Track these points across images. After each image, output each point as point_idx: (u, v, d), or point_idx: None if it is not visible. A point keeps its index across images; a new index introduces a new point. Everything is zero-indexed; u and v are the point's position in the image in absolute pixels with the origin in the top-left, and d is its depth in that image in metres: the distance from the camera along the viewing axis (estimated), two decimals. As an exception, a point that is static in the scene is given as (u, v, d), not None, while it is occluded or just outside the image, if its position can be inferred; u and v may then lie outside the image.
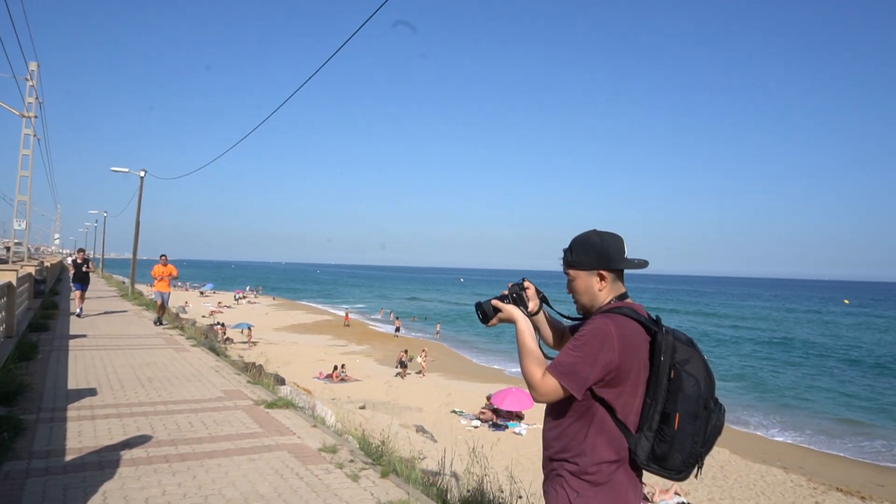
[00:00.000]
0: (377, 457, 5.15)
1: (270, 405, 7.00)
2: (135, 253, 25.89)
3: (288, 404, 7.08)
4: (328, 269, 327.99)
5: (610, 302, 2.06)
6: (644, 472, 2.06)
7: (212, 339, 13.24)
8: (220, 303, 54.68)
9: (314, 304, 67.11)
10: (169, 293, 15.66)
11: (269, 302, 65.91)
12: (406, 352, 26.84)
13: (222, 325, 33.08)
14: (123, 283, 38.16)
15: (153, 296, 16.54)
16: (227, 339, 28.62)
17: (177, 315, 23.86)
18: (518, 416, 18.74)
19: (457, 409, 19.75)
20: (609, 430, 1.95)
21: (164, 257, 15.54)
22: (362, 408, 18.07)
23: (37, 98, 19.92)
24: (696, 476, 2.02)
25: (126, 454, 5.08)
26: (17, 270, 10.66)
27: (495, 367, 29.43)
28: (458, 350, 35.33)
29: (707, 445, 1.95)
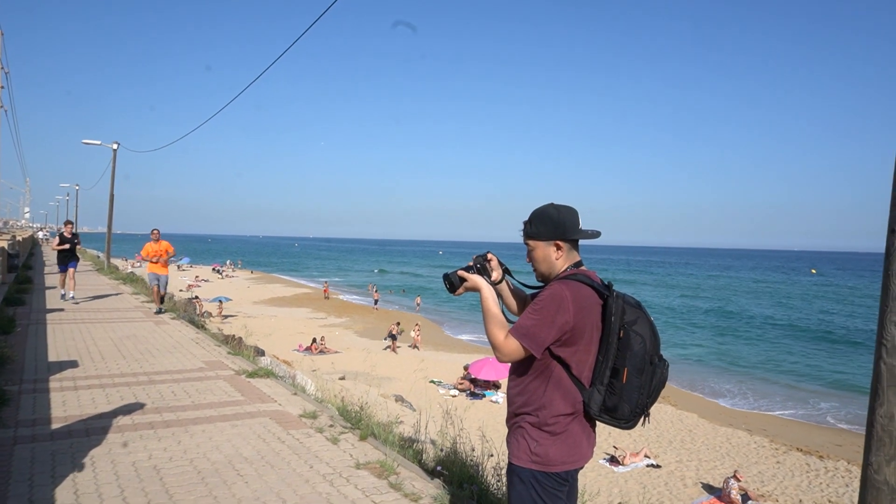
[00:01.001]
0: (356, 421, 5.37)
1: (251, 374, 7.17)
2: (109, 227, 25.59)
3: (268, 374, 7.27)
4: (306, 242, 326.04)
5: (566, 270, 2.25)
6: (598, 423, 2.28)
7: (191, 313, 13.28)
8: (197, 276, 54.30)
9: (292, 278, 66.94)
10: (167, 276, 12.71)
11: (248, 276, 65.59)
12: (398, 324, 26.92)
13: (198, 298, 32.97)
14: (98, 257, 37.68)
15: (148, 280, 13.39)
16: (206, 312, 28.58)
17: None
18: (495, 385, 19.17)
19: (435, 380, 20.13)
20: (565, 385, 2.16)
21: (156, 232, 12.67)
22: (342, 378, 18.35)
23: (2, 68, 19.41)
24: (642, 424, 2.24)
25: (111, 422, 5.24)
26: (-10, 245, 10.58)
27: (473, 338, 29.89)
28: (437, 322, 35.72)
29: (652, 397, 2.17)
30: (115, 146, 23.63)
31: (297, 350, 23.63)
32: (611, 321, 2.14)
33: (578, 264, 2.28)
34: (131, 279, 21.25)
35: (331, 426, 5.28)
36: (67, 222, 15.01)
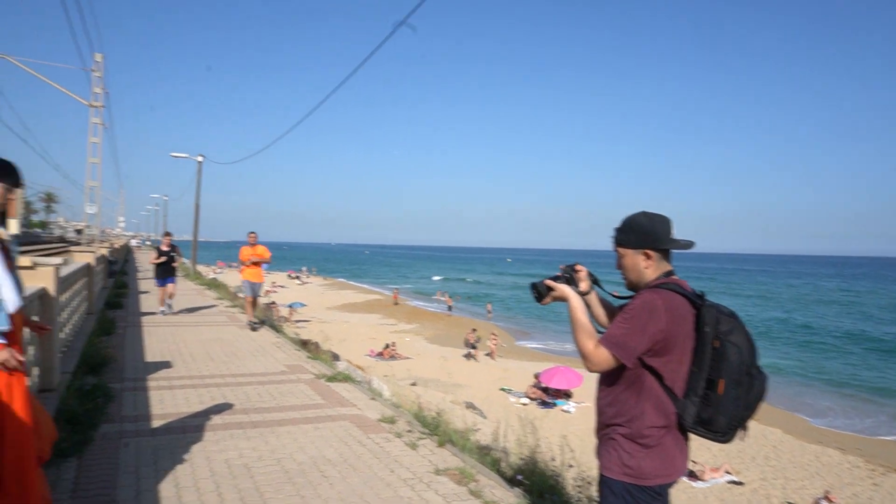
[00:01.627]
0: (433, 428, 5.46)
1: (330, 379, 7.40)
2: (195, 235, 27.01)
3: (346, 378, 7.47)
4: (375, 249, 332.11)
5: (656, 279, 2.24)
6: (691, 439, 2.25)
7: (270, 318, 13.83)
8: (273, 282, 56.37)
9: (363, 285, 68.37)
10: (261, 283, 11.75)
11: (321, 282, 67.54)
12: (474, 330, 26.88)
13: (274, 303, 34.23)
14: (184, 263, 39.78)
15: (242, 288, 12.22)
16: (281, 317, 29.62)
17: (234, 294, 24.90)
18: (566, 394, 18.92)
19: (506, 387, 20.06)
20: (657, 395, 2.14)
21: (253, 235, 11.48)
22: (413, 384, 18.57)
23: (103, 88, 20.98)
24: (741, 439, 2.19)
25: (204, 421, 5.54)
26: (94, 252, 11.40)
27: (542, 346, 29.59)
28: (507, 329, 35.59)
29: (750, 409, 2.12)
30: (200, 159, 24.96)
31: (369, 355, 24.10)
32: (705, 331, 2.11)
33: (669, 274, 2.26)
34: (214, 284, 22.35)
35: (409, 431, 5.39)
36: (166, 234, 13.98)
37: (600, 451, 2.29)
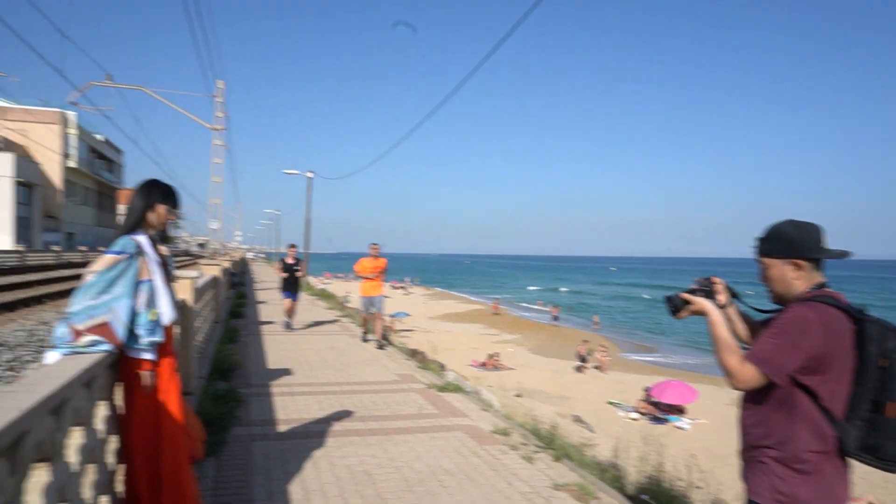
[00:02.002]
0: (548, 441, 5.37)
1: (441, 389, 7.49)
2: (306, 248, 28.40)
3: (457, 388, 7.54)
4: (476, 258, 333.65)
5: (807, 291, 2.08)
6: (854, 463, 2.06)
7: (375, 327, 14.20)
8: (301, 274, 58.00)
9: (464, 294, 68.88)
10: (382, 297, 11.09)
11: (423, 292, 68.77)
12: (585, 342, 26.27)
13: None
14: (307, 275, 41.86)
15: (360, 303, 11.54)
16: (387, 326, 30.41)
17: (342, 304, 25.93)
18: (679, 410, 18.01)
19: (614, 401, 19.42)
20: (813, 417, 1.98)
21: (375, 247, 10.93)
22: (518, 395, 18.39)
23: (225, 112, 22.66)
24: None
25: (325, 427, 5.77)
26: (220, 265, 12.27)
27: (650, 358, 28.42)
28: (613, 340, 34.54)
29: None
30: (310, 175, 26.26)
31: (472, 365, 24.16)
32: (869, 349, 1.93)
33: (822, 286, 2.09)
34: (325, 295, 23.36)
35: (524, 444, 5.33)
36: (291, 246, 13.23)
37: (747, 475, 2.15)
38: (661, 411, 17.89)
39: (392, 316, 34.79)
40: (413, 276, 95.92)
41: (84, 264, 39.78)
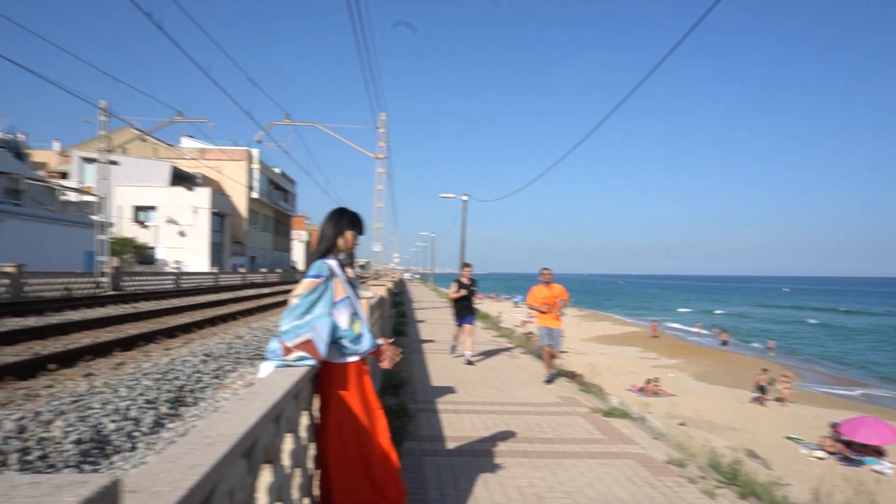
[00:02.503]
0: (730, 476, 4.98)
1: (607, 413, 7.26)
2: (461, 269, 29.08)
3: (624, 414, 7.26)
4: (631, 279, 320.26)
5: None
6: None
7: (535, 348, 14.16)
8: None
9: (619, 316, 66.35)
10: (561, 330, 9.75)
11: (576, 313, 67.27)
12: (765, 371, 24.08)
13: (532, 334, 34.97)
14: (449, 294, 43.01)
15: (536, 334, 10.63)
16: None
17: (496, 323, 26.17)
18: (878, 452, 15.78)
19: (794, 436, 17.49)
20: None
21: (547, 273, 9.68)
22: (682, 424, 17.29)
23: (386, 142, 24.13)
24: None
25: (491, 446, 5.83)
26: (385, 285, 12.98)
27: (836, 390, 25.25)
28: (795, 369, 31.25)
29: None
30: (465, 198, 26.98)
31: (630, 390, 23.13)
32: None
33: None
34: (479, 315, 23.67)
35: (702, 477, 4.99)
36: (465, 265, 11.88)
37: None
38: (853, 451, 15.80)
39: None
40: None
41: (264, 284, 44.16)
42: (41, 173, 41.45)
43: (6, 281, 20.22)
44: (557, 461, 5.39)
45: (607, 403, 8.04)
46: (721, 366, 30.27)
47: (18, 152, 41.91)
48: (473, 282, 11.52)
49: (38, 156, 50.74)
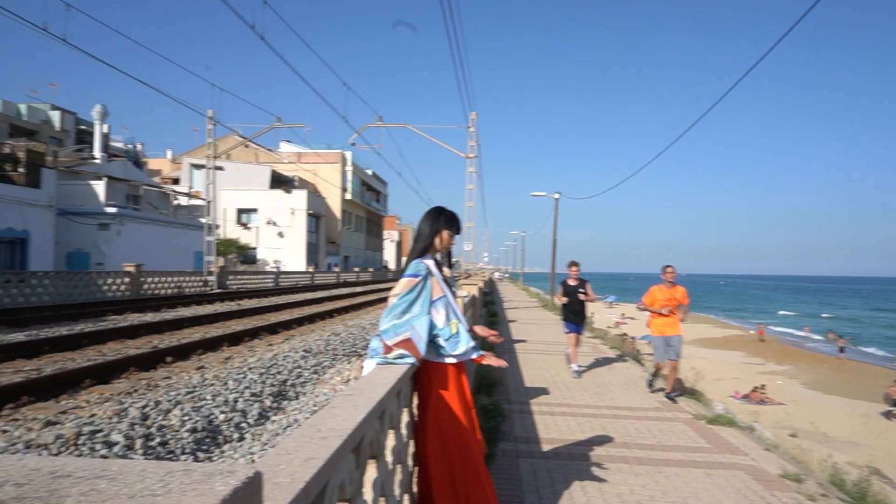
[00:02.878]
0: (858, 497, 4.58)
1: (712, 421, 6.89)
2: (553, 268, 28.71)
3: (730, 422, 6.87)
4: (732, 279, 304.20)
5: None
6: None
7: (631, 351, 13.71)
8: (623, 314, 56.15)
9: (720, 318, 63.09)
10: (681, 337, 8.30)
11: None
12: None
13: (626, 335, 33.91)
14: (539, 294, 42.58)
15: (653, 347, 8.77)
16: (636, 350, 29.21)
17: (589, 324, 25.62)
18: None
19: (927, 454, 15.91)
20: None
21: (670, 271, 8.35)
22: (792, 435, 16.17)
23: (477, 141, 24.22)
24: None
25: (588, 450, 5.69)
26: (476, 284, 13.00)
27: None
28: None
29: None
30: (556, 196, 26.57)
31: (734, 397, 21.91)
32: None
33: None
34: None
35: (823, 496, 4.62)
36: (572, 264, 10.27)
37: None
38: None
39: (641, 339, 33.30)
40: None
41: (357, 283, 45.52)
42: (156, 180, 44.83)
43: (127, 279, 22.00)
44: (659, 469, 5.17)
45: (711, 410, 7.64)
46: (839, 374, 28.09)
47: (137, 161, 45.56)
48: (582, 282, 10.03)
49: (153, 164, 54.98)
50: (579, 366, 9.99)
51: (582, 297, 9.91)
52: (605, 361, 11.45)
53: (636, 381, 9.41)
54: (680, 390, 8.69)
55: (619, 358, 11.57)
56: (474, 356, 3.28)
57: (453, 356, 3.20)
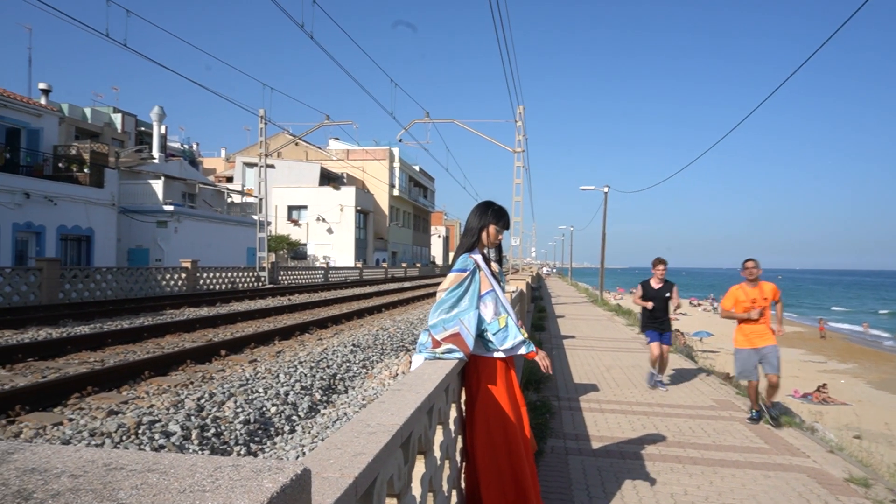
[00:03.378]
0: (930, 502, 4.32)
1: (770, 421, 6.64)
2: (602, 263, 28.25)
3: (789, 423, 6.61)
4: (791, 274, 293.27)
5: None
6: None
7: (683, 347, 13.35)
8: (676, 308, 54.81)
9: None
10: (777, 347, 6.95)
11: (726, 310, 62.75)
12: None
13: (679, 331, 33.07)
14: (588, 289, 41.97)
15: (739, 365, 7.07)
16: (687, 346, 28.48)
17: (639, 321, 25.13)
18: None
19: None
20: None
21: (750, 265, 6.96)
22: (857, 437, 15.47)
23: (524, 135, 24.00)
24: None
25: (639, 449, 5.56)
26: (524, 280, 12.91)
27: None
28: None
29: None
30: (606, 189, 26.11)
31: (793, 396, 21.12)
32: None
33: None
34: (621, 311, 22.87)
35: (893, 502, 4.39)
36: (658, 262, 8.59)
37: None
38: None
39: (694, 335, 32.43)
40: (715, 292, 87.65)
41: (404, 279, 45.87)
42: (211, 178, 46.21)
43: (184, 275, 22.77)
44: (714, 469, 5.01)
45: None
46: (907, 373, 26.75)
47: (193, 160, 47.06)
48: (668, 285, 8.67)
49: (208, 163, 56.68)
50: (662, 377, 8.60)
51: (675, 307, 8.77)
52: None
53: (690, 379, 9.17)
54: (779, 413, 7.00)
55: (670, 354, 11.27)
56: (523, 351, 3.23)
57: (501, 350, 3.16)
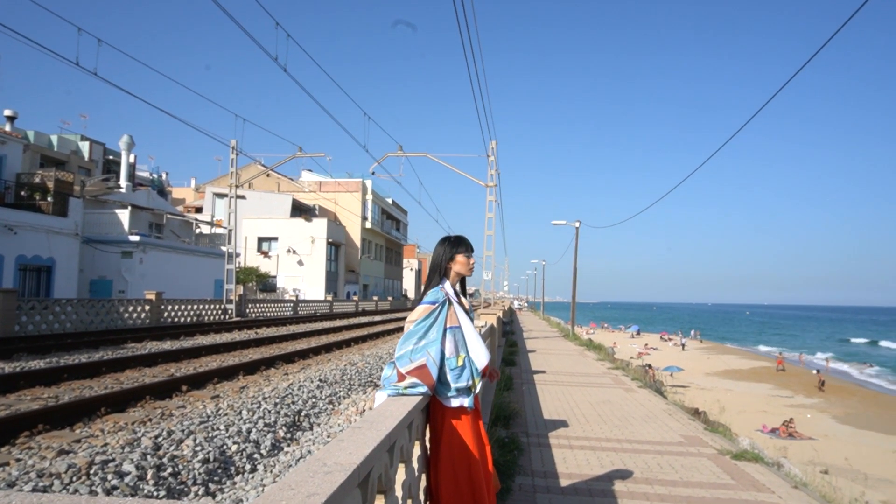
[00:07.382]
0: (893, 537, 4.34)
1: (737, 456, 6.65)
2: (574, 297, 28.42)
3: (756, 458, 6.62)
4: (759, 309, 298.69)
5: None
6: None
7: (653, 382, 13.42)
8: (646, 344, 55.30)
9: (746, 349, 61.82)
10: None
11: (697, 345, 63.49)
12: None
13: (650, 366, 33.31)
14: (560, 324, 42.10)
15: None
16: (658, 381, 28.65)
17: (611, 355, 25.19)
18: None
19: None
20: None
21: None
22: (824, 472, 15.61)
23: (496, 170, 24.27)
24: None
25: (608, 486, 5.50)
26: (495, 314, 12.88)
27: None
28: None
29: None
30: (577, 224, 26.44)
31: (761, 431, 21.34)
32: None
33: None
34: (592, 345, 22.95)
35: (857, 537, 4.40)
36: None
37: None
38: None
39: (664, 370, 32.67)
40: (687, 328, 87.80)
41: (376, 312, 45.47)
42: (180, 208, 45.58)
43: (147, 307, 22.21)
44: (683, 507, 4.98)
45: (737, 445, 7.38)
46: (872, 408, 27.26)
47: (161, 190, 46.44)
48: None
49: (177, 192, 55.96)
50: None
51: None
52: (625, 394, 11.19)
53: (659, 415, 9.17)
54: None
55: (640, 390, 11.30)
56: (460, 403, 3.11)
57: (455, 388, 3.08)
